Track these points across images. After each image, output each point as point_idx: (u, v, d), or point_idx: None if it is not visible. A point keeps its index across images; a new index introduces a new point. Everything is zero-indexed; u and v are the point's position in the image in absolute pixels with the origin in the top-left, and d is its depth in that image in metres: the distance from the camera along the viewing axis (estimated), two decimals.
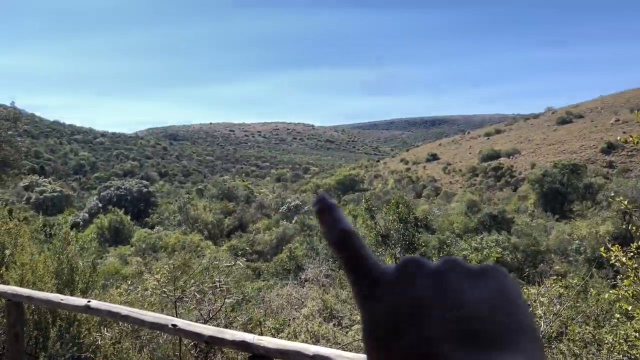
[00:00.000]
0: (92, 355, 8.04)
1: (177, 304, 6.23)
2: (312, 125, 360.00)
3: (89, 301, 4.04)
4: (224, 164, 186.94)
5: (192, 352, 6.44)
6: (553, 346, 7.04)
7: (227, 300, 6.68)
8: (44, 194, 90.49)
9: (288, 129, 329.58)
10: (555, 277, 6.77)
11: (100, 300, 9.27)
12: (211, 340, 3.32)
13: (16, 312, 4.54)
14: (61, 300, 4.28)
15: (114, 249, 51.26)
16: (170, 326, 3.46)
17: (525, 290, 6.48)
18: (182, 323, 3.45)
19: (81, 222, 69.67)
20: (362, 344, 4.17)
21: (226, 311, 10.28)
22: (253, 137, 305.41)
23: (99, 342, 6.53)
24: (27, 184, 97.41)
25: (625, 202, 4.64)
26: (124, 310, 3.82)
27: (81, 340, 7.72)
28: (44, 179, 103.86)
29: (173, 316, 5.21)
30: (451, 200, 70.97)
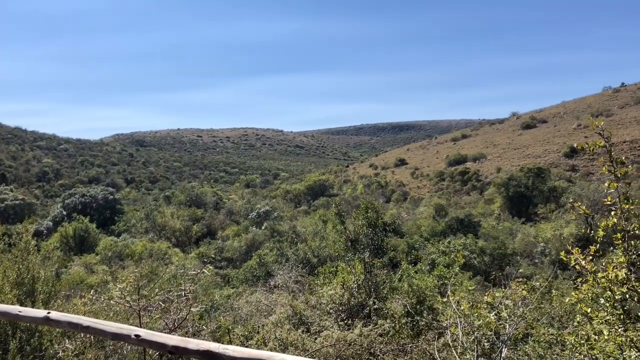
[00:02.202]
0: None
1: (142, 313, 6.09)
2: (281, 131, 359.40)
3: (48, 312, 3.91)
4: (192, 170, 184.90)
5: None
6: (519, 348, 7.15)
7: (193, 309, 6.57)
8: (5, 202, 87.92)
9: (257, 135, 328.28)
10: (520, 280, 6.89)
11: (63, 310, 9.03)
12: (175, 350, 3.24)
13: None
14: (19, 312, 4.12)
15: (79, 257, 50.04)
16: (133, 337, 3.37)
17: (491, 293, 6.58)
18: (145, 333, 3.37)
19: (45, 231, 67.87)
20: (329, 350, 4.15)
21: (194, 319, 10.13)
22: (222, 142, 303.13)
23: (60, 354, 6.35)
24: None
25: (584, 207, 4.77)
26: (85, 321, 3.71)
27: (42, 353, 7.50)
28: (5, 187, 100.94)
29: (137, 326, 5.10)
30: (419, 204, 71.69)
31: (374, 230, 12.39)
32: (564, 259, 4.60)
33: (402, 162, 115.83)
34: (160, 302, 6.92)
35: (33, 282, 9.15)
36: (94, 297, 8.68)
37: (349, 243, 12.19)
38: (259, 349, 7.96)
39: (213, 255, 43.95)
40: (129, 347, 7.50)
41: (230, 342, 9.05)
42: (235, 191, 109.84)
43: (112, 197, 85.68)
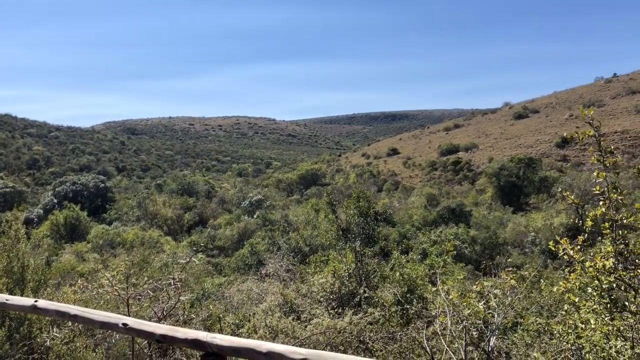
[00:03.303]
0: (43, 356, 7.80)
1: (130, 302, 6.08)
2: (274, 120, 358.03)
3: (36, 301, 3.88)
4: (183, 158, 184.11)
5: (145, 350, 6.31)
6: (507, 337, 7.21)
7: (182, 298, 6.56)
8: None
9: (249, 123, 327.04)
10: (510, 269, 6.92)
11: (52, 299, 9.00)
12: (163, 339, 3.23)
13: None
14: (7, 300, 4.09)
15: (70, 245, 49.86)
16: (120, 325, 3.36)
17: (480, 283, 6.61)
18: (133, 322, 3.35)
19: (35, 219, 67.52)
20: (319, 338, 4.15)
21: (184, 308, 10.13)
22: (214, 131, 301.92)
23: (48, 343, 6.34)
24: None
25: (573, 197, 4.79)
26: (73, 309, 3.68)
27: (31, 341, 7.48)
28: None
29: (126, 315, 5.08)
30: (411, 194, 71.85)
31: (366, 219, 12.41)
32: (553, 248, 4.62)
33: (394, 152, 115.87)
34: (149, 291, 6.90)
35: (22, 271, 9.10)
36: (83, 286, 8.65)
37: (341, 232, 12.20)
38: (249, 337, 7.98)
39: (203, 244, 43.89)
40: (118, 335, 7.48)
41: (221, 331, 9.07)
42: (227, 180, 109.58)
43: (103, 185, 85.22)
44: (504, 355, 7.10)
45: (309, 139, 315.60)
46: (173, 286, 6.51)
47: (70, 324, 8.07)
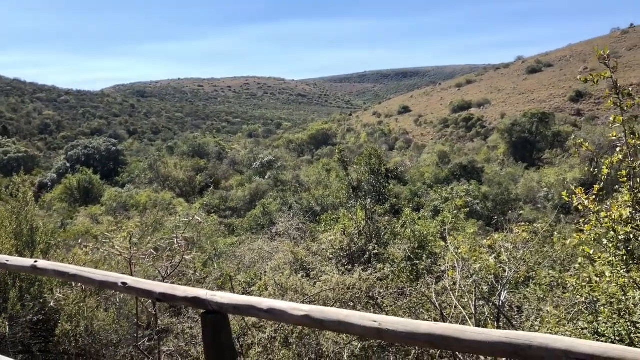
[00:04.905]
0: (55, 316, 7.87)
1: (133, 261, 6.04)
2: (283, 79, 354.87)
3: (35, 261, 3.83)
4: (194, 120, 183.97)
5: (149, 309, 6.31)
6: (519, 291, 7.13)
7: (187, 256, 6.51)
8: (9, 155, 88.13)
9: (259, 84, 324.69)
10: (522, 224, 6.78)
11: (63, 260, 9.04)
12: (163, 297, 3.16)
13: None
14: (7, 261, 4.05)
15: (85, 209, 50.41)
16: (120, 284, 3.30)
17: (490, 236, 6.49)
18: (131, 280, 3.29)
19: (49, 183, 68.24)
20: (329, 295, 4.03)
21: (195, 267, 10.16)
22: (223, 92, 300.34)
23: (52, 304, 6.36)
24: None
25: (587, 144, 4.57)
26: (72, 269, 3.63)
27: (42, 301, 7.52)
28: (8, 140, 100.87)
29: (129, 274, 5.03)
30: (422, 151, 71.43)
31: (377, 176, 12.26)
32: (566, 198, 4.44)
33: (405, 110, 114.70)
34: (152, 250, 6.87)
35: (32, 233, 9.11)
36: (94, 247, 8.65)
37: (351, 190, 12.09)
38: (260, 295, 7.97)
39: (206, 202, 44.04)
40: (130, 296, 7.49)
41: (232, 289, 9.08)
42: (238, 141, 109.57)
43: (115, 148, 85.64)
44: (515, 309, 7.03)
45: (319, 98, 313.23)
46: (177, 245, 6.46)
47: (79, 286, 8.11)
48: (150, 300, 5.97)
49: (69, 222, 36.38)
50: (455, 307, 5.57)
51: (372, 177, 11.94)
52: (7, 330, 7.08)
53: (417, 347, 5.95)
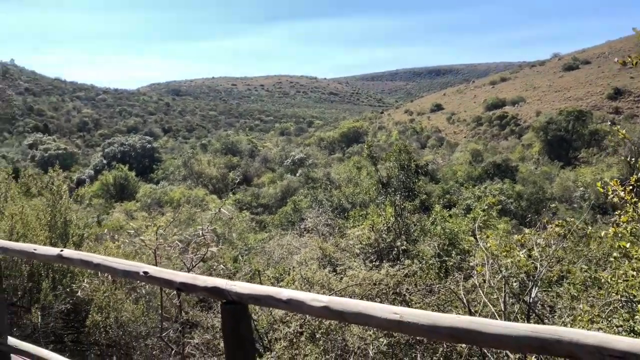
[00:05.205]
0: (86, 307, 8.00)
1: (157, 252, 6.09)
2: (315, 78, 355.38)
3: (61, 250, 3.87)
4: (227, 118, 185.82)
5: (174, 300, 6.35)
6: (552, 289, 6.90)
7: (212, 249, 6.53)
8: (49, 152, 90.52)
9: (291, 82, 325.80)
10: (557, 222, 6.56)
11: (95, 252, 9.19)
12: (183, 287, 3.15)
13: None
14: (34, 250, 4.11)
15: (120, 204, 51.43)
16: (141, 273, 3.30)
17: (523, 233, 6.30)
18: (153, 270, 3.29)
19: (87, 179, 69.91)
20: (355, 290, 3.97)
21: (224, 261, 10.21)
22: (256, 90, 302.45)
23: (82, 293, 6.46)
24: (31, 142, 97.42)
25: (623, 131, 4.38)
26: (96, 258, 3.65)
27: (70, 290, 7.66)
28: (48, 137, 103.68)
29: (154, 265, 5.06)
30: (455, 150, 70.52)
31: (406, 172, 12.11)
32: (600, 189, 4.25)
33: (438, 108, 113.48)
34: (177, 242, 6.91)
35: (65, 225, 9.30)
36: (124, 240, 8.76)
37: (380, 186, 11.97)
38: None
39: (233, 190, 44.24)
40: (159, 288, 7.55)
41: (260, 284, 9.08)
42: (270, 139, 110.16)
43: (150, 145, 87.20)
44: (548, 308, 6.82)
45: (350, 96, 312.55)
46: (202, 237, 6.49)
47: (110, 277, 8.23)
48: (174, 292, 6.01)
49: (105, 217, 37.18)
50: (484, 304, 5.43)
51: (402, 173, 11.78)
52: (40, 320, 7.24)
53: (444, 345, 5.83)
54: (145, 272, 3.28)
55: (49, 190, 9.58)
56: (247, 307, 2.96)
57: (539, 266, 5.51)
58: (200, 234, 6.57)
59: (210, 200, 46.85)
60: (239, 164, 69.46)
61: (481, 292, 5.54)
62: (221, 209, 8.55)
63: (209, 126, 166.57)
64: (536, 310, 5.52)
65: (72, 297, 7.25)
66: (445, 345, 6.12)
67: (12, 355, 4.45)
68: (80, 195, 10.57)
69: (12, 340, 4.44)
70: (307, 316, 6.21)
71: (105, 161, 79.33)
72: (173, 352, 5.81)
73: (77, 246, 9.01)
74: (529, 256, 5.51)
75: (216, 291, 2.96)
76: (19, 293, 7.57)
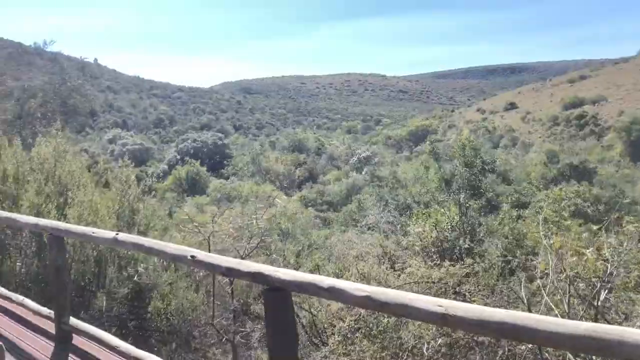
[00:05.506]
0: (149, 294, 8.25)
1: (211, 239, 6.16)
2: (384, 76, 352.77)
3: (117, 234, 3.99)
4: (295, 116, 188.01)
5: (227, 288, 6.41)
6: (625, 293, 6.42)
7: (267, 239, 6.55)
8: (127, 147, 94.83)
9: (359, 80, 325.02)
10: (630, 219, 6.10)
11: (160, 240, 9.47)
12: (228, 272, 3.17)
13: (57, 246, 4.56)
14: (93, 233, 4.26)
15: (191, 198, 53.15)
16: (189, 257, 3.34)
17: (593, 232, 5.90)
18: (200, 255, 3.32)
19: (161, 174, 72.76)
20: (413, 287, 3.83)
21: (284, 255, 10.26)
22: (324, 89, 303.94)
23: (138, 278, 6.64)
24: (110, 137, 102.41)
25: None
26: (147, 242, 3.75)
27: (131, 276, 7.91)
28: (126, 132, 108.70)
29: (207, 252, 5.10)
30: (529, 150, 67.96)
31: (472, 169, 11.70)
32: None
33: (512, 106, 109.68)
34: (231, 230, 6.99)
35: (132, 214, 9.63)
36: (184, 228, 8.98)
37: (444, 183, 11.65)
38: None
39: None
40: (218, 278, 7.66)
41: None
42: (337, 137, 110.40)
43: (221, 142, 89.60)
44: (622, 316, 6.36)
45: (420, 94, 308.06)
46: (256, 227, 6.52)
47: (173, 266, 8.45)
48: (225, 279, 6.07)
49: (176, 211, 38.50)
50: (547, 305, 5.11)
51: (467, 170, 11.37)
52: (104, 304, 7.53)
53: (506, 347, 5.56)
54: (193, 257, 3.31)
55: (119, 181, 9.95)
56: (290, 294, 2.91)
57: (609, 267, 5.12)
58: (255, 224, 6.61)
59: (277, 197, 47.56)
60: (305, 161, 70.09)
61: (543, 292, 5.22)
62: (275, 199, 8.55)
63: (278, 124, 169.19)
64: (606, 316, 5.14)
65: (131, 282, 7.48)
66: (507, 348, 5.85)
67: (74, 335, 4.62)
68: (148, 187, 10.91)
69: (73, 321, 4.61)
70: (362, 311, 6.11)
71: (178, 157, 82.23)
72: (224, 339, 5.86)
73: (143, 234, 9.30)
74: (599, 256, 5.13)
75: (260, 277, 2.94)
76: (87, 278, 7.89)
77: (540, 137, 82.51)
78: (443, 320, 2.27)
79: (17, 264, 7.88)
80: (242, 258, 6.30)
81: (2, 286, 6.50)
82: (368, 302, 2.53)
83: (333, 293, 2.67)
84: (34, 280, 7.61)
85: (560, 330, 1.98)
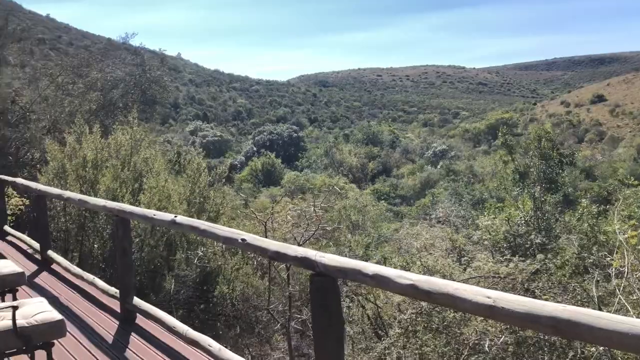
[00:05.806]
0: (216, 279, 8.45)
1: (267, 225, 6.19)
2: (463, 68, 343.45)
3: (175, 216, 4.10)
4: (370, 109, 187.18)
5: (282, 274, 6.42)
6: None
7: (327, 227, 6.51)
8: (207, 138, 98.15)
9: (437, 72, 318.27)
10: None
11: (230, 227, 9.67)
12: (276, 256, 3.18)
13: (123, 228, 4.75)
14: (154, 215, 4.41)
15: (266, 189, 54.33)
16: (239, 240, 3.38)
17: None
18: (250, 238, 3.36)
19: (238, 165, 74.84)
20: (479, 282, 3.65)
21: (350, 246, 10.20)
22: (401, 81, 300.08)
23: (195, 260, 6.79)
24: (192, 129, 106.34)
25: None
26: (202, 225, 3.86)
27: (204, 263, 8.11)
28: (207, 125, 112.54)
29: (264, 237, 5.13)
30: (618, 145, 64.08)
31: (547, 162, 11.10)
32: None
33: (599, 99, 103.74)
34: (289, 216, 7.00)
35: (203, 201, 9.89)
36: (257, 219, 9.10)
37: (517, 176, 11.13)
38: None
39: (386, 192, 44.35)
40: (281, 265, 7.72)
41: None
42: (412, 130, 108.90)
43: (296, 135, 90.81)
44: None
45: (501, 87, 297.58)
46: (315, 214, 6.50)
47: (240, 252, 8.60)
48: (285, 265, 6.07)
49: (252, 201, 39.48)
50: (625, 307, 4.74)
51: (543, 163, 10.79)
52: (172, 287, 7.79)
53: (578, 348, 5.24)
54: (243, 239, 3.34)
55: (190, 169, 10.25)
56: (336, 280, 2.85)
57: None
58: (313, 211, 6.59)
59: (350, 189, 47.64)
60: (379, 154, 69.67)
61: (617, 291, 4.85)
62: (334, 186, 8.48)
63: (353, 117, 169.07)
64: None
65: (198, 266, 7.69)
66: (579, 350, 5.51)
67: (137, 315, 4.79)
68: (220, 175, 11.17)
69: (136, 300, 4.77)
70: (423, 304, 5.95)
71: (255, 148, 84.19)
72: (279, 325, 5.90)
73: (212, 220, 9.53)
74: None
75: (305, 261, 2.90)
76: (157, 261, 8.20)
77: (630, 131, 77.55)
78: (490, 312, 2.13)
79: (94, 245, 8.33)
80: (299, 244, 6.31)
81: (79, 265, 6.88)
82: (412, 291, 2.42)
83: (377, 280, 2.58)
84: (107, 261, 8.01)
85: (621, 328, 1.78)
